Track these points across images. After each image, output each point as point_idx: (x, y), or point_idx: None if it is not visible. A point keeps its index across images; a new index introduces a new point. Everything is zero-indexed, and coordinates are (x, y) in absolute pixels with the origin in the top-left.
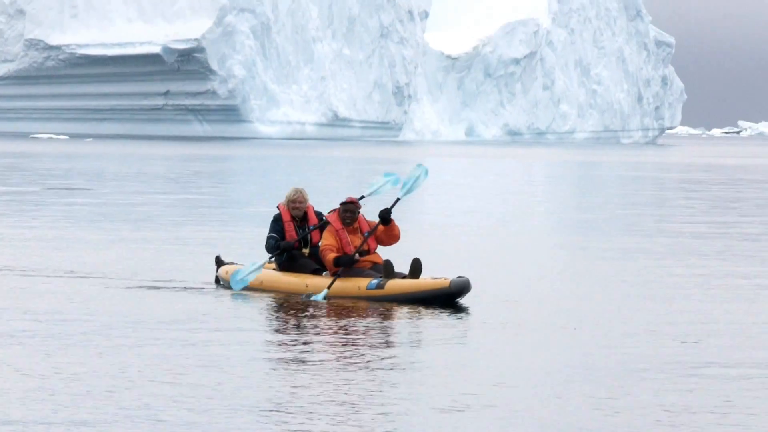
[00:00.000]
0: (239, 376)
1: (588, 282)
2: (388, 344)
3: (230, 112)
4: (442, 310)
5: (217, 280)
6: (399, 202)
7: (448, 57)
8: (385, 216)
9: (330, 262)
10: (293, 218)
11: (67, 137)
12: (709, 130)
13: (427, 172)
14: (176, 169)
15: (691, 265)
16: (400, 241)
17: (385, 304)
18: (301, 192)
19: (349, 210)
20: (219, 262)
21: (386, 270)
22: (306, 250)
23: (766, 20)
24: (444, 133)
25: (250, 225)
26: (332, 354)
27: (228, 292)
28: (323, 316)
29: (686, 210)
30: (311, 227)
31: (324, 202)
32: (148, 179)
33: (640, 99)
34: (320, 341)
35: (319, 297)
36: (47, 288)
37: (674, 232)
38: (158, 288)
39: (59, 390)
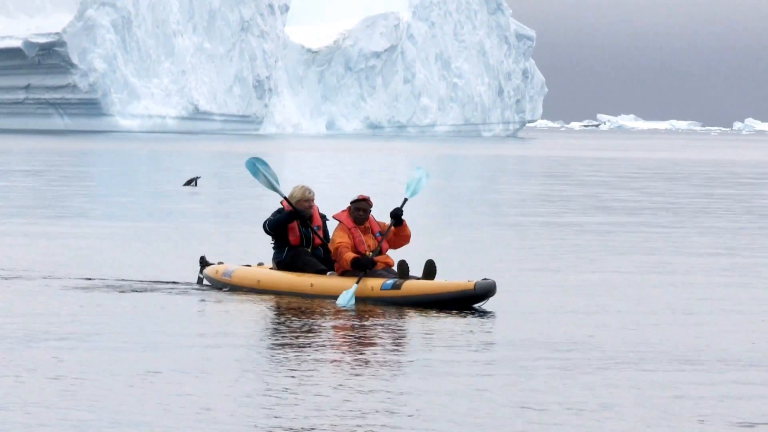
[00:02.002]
0: (233, 384)
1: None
2: (397, 349)
3: (91, 106)
4: (462, 315)
5: (200, 281)
6: (406, 203)
7: (309, 51)
8: (398, 215)
9: (348, 261)
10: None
11: None
12: (568, 123)
13: (427, 175)
14: (38, 162)
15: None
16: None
17: (399, 308)
18: (310, 190)
19: (361, 208)
20: (204, 263)
21: (401, 270)
22: (308, 249)
23: (626, 15)
24: (305, 127)
25: (118, 219)
26: (335, 363)
27: (215, 294)
28: (328, 320)
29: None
30: (315, 227)
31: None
32: (7, 173)
33: (500, 92)
34: (324, 347)
35: (349, 303)
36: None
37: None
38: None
39: (46, 396)
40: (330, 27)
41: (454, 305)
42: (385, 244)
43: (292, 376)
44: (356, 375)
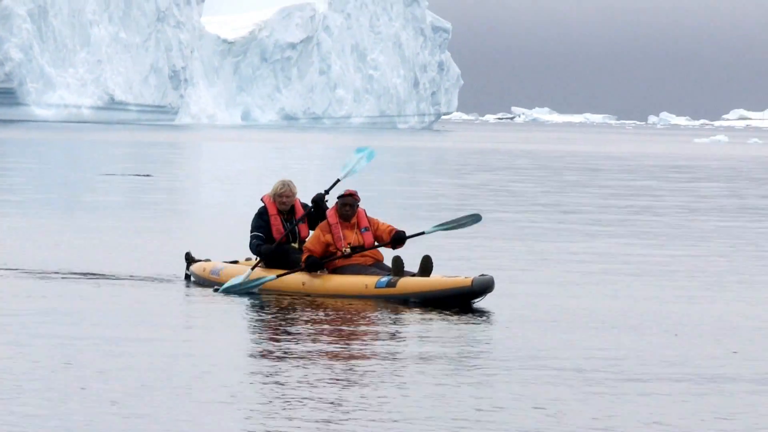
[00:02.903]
0: (218, 382)
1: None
2: (389, 352)
3: (6, 95)
4: (458, 313)
5: (188, 277)
6: (422, 235)
7: (225, 41)
8: (400, 239)
9: (303, 262)
10: (280, 212)
11: None
12: (483, 116)
13: (478, 220)
14: None
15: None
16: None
17: (393, 305)
18: (288, 185)
19: (348, 203)
20: (189, 259)
21: (396, 267)
22: (295, 245)
23: (541, 8)
24: (220, 118)
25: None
26: (325, 361)
27: (204, 290)
28: (320, 317)
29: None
30: (298, 220)
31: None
32: None
33: (416, 84)
34: (312, 346)
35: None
36: None
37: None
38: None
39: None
40: (246, 17)
41: (451, 302)
42: (369, 238)
43: (279, 375)
44: (342, 378)
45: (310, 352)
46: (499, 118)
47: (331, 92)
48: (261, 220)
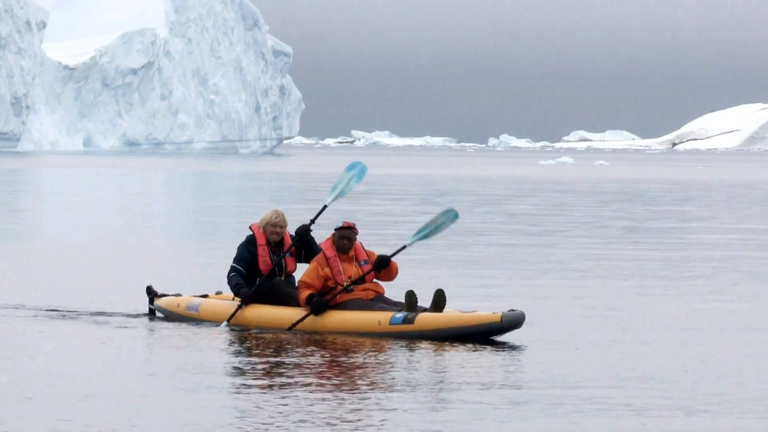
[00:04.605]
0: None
1: None
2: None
3: None
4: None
5: (152, 312)
6: (404, 250)
7: (66, 67)
8: (383, 262)
9: (302, 300)
10: (268, 242)
11: None
12: (323, 139)
13: (456, 217)
14: None
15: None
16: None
17: (409, 342)
18: (282, 215)
19: (346, 236)
20: (152, 293)
21: (409, 302)
22: (281, 278)
23: (380, 32)
24: (62, 144)
25: None
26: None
27: (180, 327)
28: (325, 355)
29: None
30: (285, 252)
31: None
32: None
33: (258, 109)
34: (320, 386)
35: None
36: None
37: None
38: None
39: None
40: (87, 43)
41: (473, 339)
42: (370, 273)
43: (281, 417)
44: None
45: (320, 405)
46: (340, 142)
47: (172, 117)
48: (247, 251)
